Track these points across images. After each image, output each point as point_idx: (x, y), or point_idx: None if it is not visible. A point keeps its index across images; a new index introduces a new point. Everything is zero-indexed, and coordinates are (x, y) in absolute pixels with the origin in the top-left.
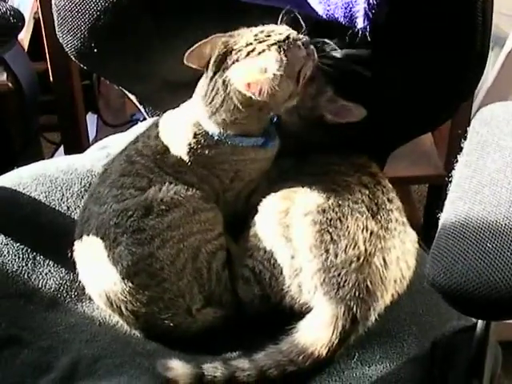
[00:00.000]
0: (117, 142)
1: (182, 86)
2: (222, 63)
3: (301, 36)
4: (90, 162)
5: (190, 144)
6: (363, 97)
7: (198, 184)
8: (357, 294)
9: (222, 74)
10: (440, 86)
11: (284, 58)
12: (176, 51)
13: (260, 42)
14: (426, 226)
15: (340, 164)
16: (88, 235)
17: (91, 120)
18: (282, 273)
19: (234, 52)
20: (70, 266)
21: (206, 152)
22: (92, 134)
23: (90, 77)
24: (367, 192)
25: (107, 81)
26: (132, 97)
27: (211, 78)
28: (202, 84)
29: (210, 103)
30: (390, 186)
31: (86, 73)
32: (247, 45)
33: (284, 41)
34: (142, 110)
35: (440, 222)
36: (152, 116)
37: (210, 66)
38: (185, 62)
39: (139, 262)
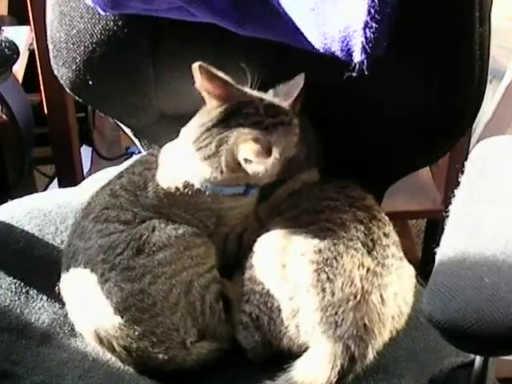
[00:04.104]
0: (112, 176)
1: (178, 118)
2: (225, 119)
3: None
4: (84, 196)
5: (169, 188)
6: (360, 129)
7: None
8: (355, 332)
9: (222, 130)
10: (437, 119)
11: (283, 143)
12: (172, 84)
13: (268, 116)
14: (424, 261)
15: (335, 199)
16: (75, 272)
17: (86, 153)
18: (279, 315)
19: (241, 114)
20: (63, 300)
21: (186, 199)
22: (86, 167)
23: (84, 109)
24: (362, 228)
25: (102, 113)
26: (127, 130)
27: (208, 128)
28: (196, 127)
29: (197, 150)
30: (387, 218)
31: (80, 105)
32: (256, 114)
33: (287, 124)
34: (137, 144)
35: (437, 257)
36: (147, 149)
37: (213, 115)
38: (196, 85)
39: (129, 297)
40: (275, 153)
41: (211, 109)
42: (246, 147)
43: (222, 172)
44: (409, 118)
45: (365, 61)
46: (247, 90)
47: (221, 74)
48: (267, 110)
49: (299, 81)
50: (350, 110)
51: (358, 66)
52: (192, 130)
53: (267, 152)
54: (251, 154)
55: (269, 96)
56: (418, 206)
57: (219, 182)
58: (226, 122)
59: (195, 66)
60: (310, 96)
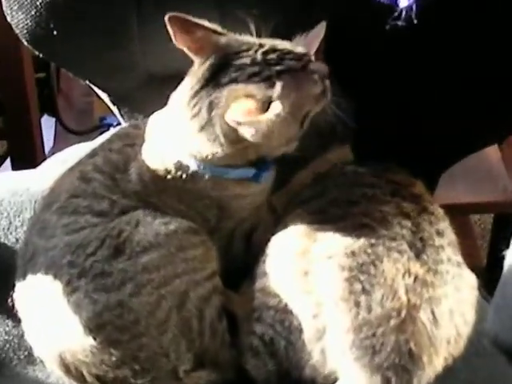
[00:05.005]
0: (82, 154)
1: (168, 80)
2: (214, 76)
3: (321, 65)
4: (45, 180)
5: (157, 170)
6: (408, 96)
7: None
8: (397, 360)
9: (211, 91)
10: (508, 84)
11: (293, 95)
12: (160, 36)
13: (268, 65)
14: (489, 268)
15: (373, 186)
16: (33, 278)
17: (48, 124)
18: (300, 337)
19: (233, 67)
20: (18, 316)
21: (179, 184)
22: (49, 142)
23: (46, 68)
24: (409, 224)
25: (70, 73)
26: (103, 95)
27: (196, 92)
28: (186, 91)
29: (191, 120)
30: (441, 212)
31: (41, 63)
32: (252, 64)
33: (299, 70)
34: (116, 113)
35: (505, 263)
36: (128, 120)
37: (199, 74)
38: (173, 40)
39: (104, 312)
40: (276, 108)
41: (198, 67)
42: (234, 107)
43: (221, 145)
44: (468, 82)
45: (413, 6)
46: (239, 36)
47: (199, 21)
48: (267, 56)
49: (319, 31)
50: (390, 64)
51: (404, 13)
52: (182, 94)
53: (265, 109)
54: (239, 115)
55: (275, 41)
56: (484, 197)
57: (221, 161)
58: (215, 80)
59: (166, 18)
60: (340, 52)
